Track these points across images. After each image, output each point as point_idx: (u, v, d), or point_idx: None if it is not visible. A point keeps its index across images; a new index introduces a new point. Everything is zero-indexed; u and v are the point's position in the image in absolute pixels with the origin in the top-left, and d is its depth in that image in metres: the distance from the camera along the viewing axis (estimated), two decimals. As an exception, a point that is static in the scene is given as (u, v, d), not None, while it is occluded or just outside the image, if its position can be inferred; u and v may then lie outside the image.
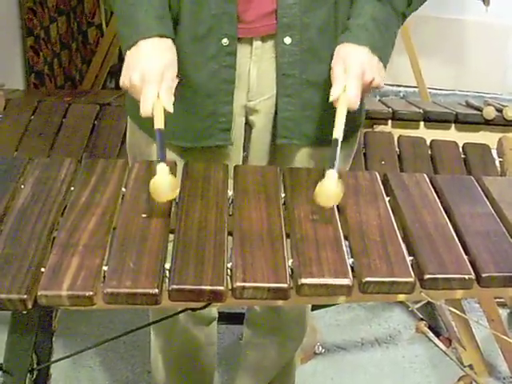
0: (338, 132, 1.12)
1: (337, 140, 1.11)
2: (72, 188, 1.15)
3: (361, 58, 1.20)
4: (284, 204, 1.14)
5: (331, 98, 1.17)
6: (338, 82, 1.18)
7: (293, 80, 1.27)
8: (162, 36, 1.18)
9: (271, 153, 1.38)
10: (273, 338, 1.67)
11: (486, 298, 2.03)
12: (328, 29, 1.26)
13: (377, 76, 1.20)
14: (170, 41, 1.19)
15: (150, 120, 1.11)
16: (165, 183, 1.06)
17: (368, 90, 1.21)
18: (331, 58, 1.22)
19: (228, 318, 2.06)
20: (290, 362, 1.76)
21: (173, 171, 1.11)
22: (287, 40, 1.24)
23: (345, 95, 1.16)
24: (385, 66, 1.24)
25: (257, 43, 1.27)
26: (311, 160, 1.35)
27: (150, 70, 1.13)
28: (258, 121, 1.34)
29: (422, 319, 2.38)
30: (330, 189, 1.07)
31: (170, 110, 1.12)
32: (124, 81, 1.16)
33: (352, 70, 1.17)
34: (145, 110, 1.11)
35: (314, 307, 2.04)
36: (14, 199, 1.12)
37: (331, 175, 1.08)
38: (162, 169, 1.06)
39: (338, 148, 1.10)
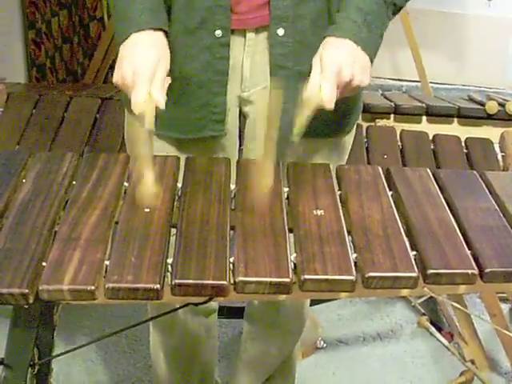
0: (296, 132, 1.09)
1: (293, 142, 1.10)
2: (74, 182, 1.15)
3: (339, 56, 1.13)
4: (287, 199, 1.14)
5: (303, 97, 1.10)
6: (312, 82, 1.11)
7: (286, 72, 1.26)
8: (154, 29, 1.17)
9: None
10: (272, 331, 1.67)
11: (488, 293, 2.03)
12: (321, 21, 1.24)
13: (357, 74, 1.13)
14: (162, 34, 1.18)
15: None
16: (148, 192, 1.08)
17: (347, 89, 1.14)
18: None
19: (229, 313, 2.06)
20: (291, 356, 1.76)
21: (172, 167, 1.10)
22: (280, 31, 1.24)
23: (318, 95, 1.09)
24: (371, 60, 1.18)
25: (250, 35, 1.27)
26: (304, 151, 1.34)
27: (142, 66, 1.11)
28: (253, 112, 1.34)
29: (423, 314, 2.38)
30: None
31: (162, 106, 1.10)
32: (117, 78, 1.15)
33: (327, 70, 1.11)
34: (136, 107, 1.09)
35: (316, 302, 2.05)
36: (16, 193, 1.11)
37: None
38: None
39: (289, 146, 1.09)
